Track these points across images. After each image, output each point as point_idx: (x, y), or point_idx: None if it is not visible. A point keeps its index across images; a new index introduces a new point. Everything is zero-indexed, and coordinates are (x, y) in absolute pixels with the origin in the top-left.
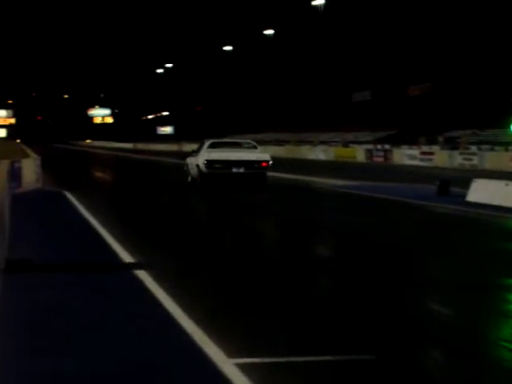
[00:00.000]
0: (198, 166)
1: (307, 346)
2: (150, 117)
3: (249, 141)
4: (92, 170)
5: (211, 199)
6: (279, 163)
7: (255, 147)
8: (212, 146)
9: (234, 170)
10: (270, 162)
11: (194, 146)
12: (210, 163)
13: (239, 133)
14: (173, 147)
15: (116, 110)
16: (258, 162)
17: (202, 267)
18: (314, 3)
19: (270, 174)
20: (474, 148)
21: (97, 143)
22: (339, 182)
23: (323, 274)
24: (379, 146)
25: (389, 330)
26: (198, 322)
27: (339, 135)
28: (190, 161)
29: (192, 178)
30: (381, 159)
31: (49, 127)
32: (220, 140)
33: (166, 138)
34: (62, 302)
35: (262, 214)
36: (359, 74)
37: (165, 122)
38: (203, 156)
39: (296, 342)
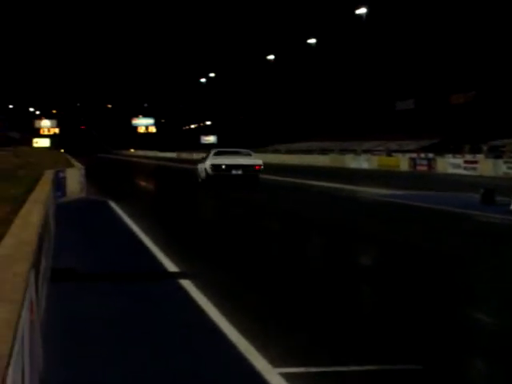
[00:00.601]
0: (205, 169)
1: (352, 355)
2: (192, 126)
3: (245, 150)
4: (136, 179)
5: (240, 202)
6: (323, 172)
7: (250, 154)
8: (216, 153)
9: (234, 171)
10: (262, 166)
11: None
12: (214, 167)
13: (283, 142)
14: None
15: (163, 120)
16: (253, 166)
17: (245, 275)
18: (357, 12)
19: (314, 183)
20: None
21: (140, 153)
22: (383, 191)
23: (371, 283)
24: (423, 155)
25: (436, 339)
26: (243, 331)
27: (383, 144)
28: (200, 166)
29: (201, 179)
30: (424, 168)
31: (92, 137)
32: (223, 149)
33: (209, 148)
34: (106, 312)
35: (310, 225)
36: (403, 82)
37: (208, 131)
38: (209, 161)
39: (341, 351)
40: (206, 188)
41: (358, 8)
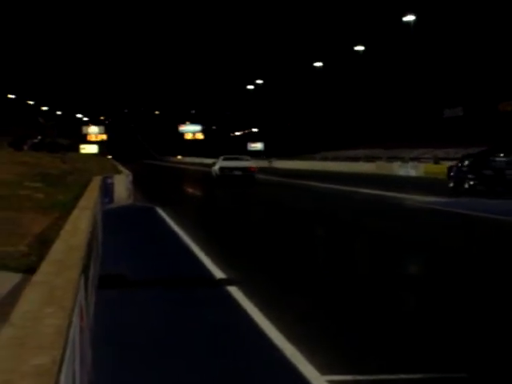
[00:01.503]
0: (216, 170)
1: (398, 363)
2: (237, 133)
3: (245, 156)
4: (183, 185)
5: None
6: (369, 180)
7: (248, 159)
8: (224, 159)
9: (235, 172)
10: (256, 169)
11: (284, 163)
12: (222, 169)
13: (330, 149)
14: (263, 163)
15: (214, 127)
16: (249, 168)
17: (292, 281)
18: (404, 19)
19: (362, 191)
20: None
21: (188, 159)
22: (428, 199)
23: (424, 289)
24: None
25: (481, 347)
26: (290, 337)
27: (430, 151)
28: (213, 168)
29: (214, 177)
30: None
31: (139, 143)
32: (228, 156)
33: (256, 155)
34: (154, 318)
35: (356, 233)
36: (451, 90)
37: (254, 138)
38: (218, 164)
39: (387, 358)
40: (220, 185)
41: (405, 15)
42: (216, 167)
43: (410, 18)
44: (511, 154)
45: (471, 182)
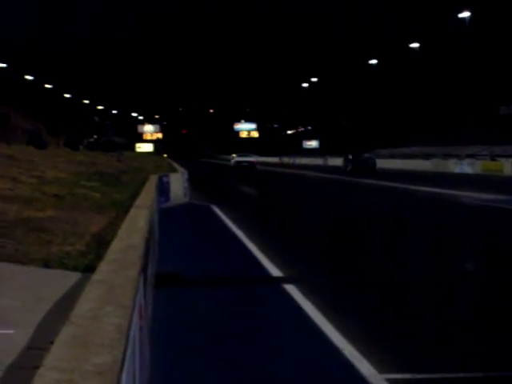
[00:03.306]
0: (232, 162)
1: (456, 362)
2: (289, 132)
3: (252, 154)
4: (237, 183)
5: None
6: (425, 177)
7: (253, 156)
8: (237, 156)
9: (244, 164)
10: (258, 161)
11: (339, 160)
12: (236, 161)
13: (385, 147)
14: (317, 161)
15: (271, 125)
16: (252, 161)
17: (349, 280)
18: (460, 15)
19: (413, 188)
20: None
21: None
22: (485, 196)
23: (483, 288)
24: None
25: None
26: (348, 336)
27: (486, 148)
28: (231, 160)
29: (231, 166)
30: None
31: (194, 142)
32: (241, 153)
33: (311, 153)
34: (211, 315)
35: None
36: (507, 86)
37: (310, 136)
38: (233, 159)
39: (445, 357)
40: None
41: (461, 12)
42: (233, 160)
43: (465, 14)
44: None
45: None
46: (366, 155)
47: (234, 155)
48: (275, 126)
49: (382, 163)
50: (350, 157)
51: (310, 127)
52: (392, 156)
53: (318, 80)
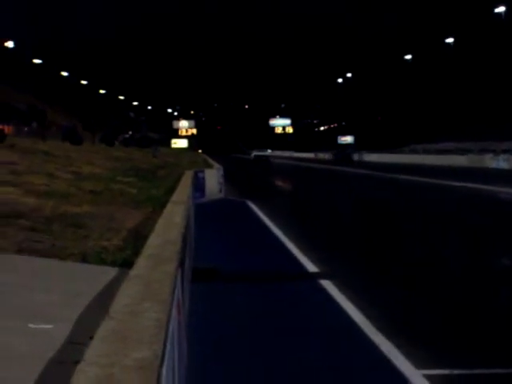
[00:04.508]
0: (252, 156)
1: (495, 357)
2: (322, 128)
3: (268, 149)
4: (273, 179)
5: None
6: (461, 173)
7: (269, 151)
8: (256, 151)
9: (261, 157)
10: (271, 155)
11: (374, 156)
12: (255, 156)
13: (420, 142)
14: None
15: (316, 121)
16: (268, 156)
17: (386, 275)
18: (496, 10)
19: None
20: None
21: (278, 153)
22: None
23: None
24: None
25: None
26: (385, 332)
27: None
28: (251, 155)
29: (251, 159)
30: None
31: (229, 137)
32: (259, 149)
33: (346, 148)
34: (247, 311)
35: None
36: None
37: (345, 131)
38: (253, 153)
39: (483, 353)
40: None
41: (496, 6)
42: (252, 154)
43: (501, 8)
44: None
45: None
46: (347, 151)
47: (254, 151)
48: (315, 121)
49: (417, 159)
50: (335, 152)
51: (343, 123)
52: (426, 151)
53: (353, 75)
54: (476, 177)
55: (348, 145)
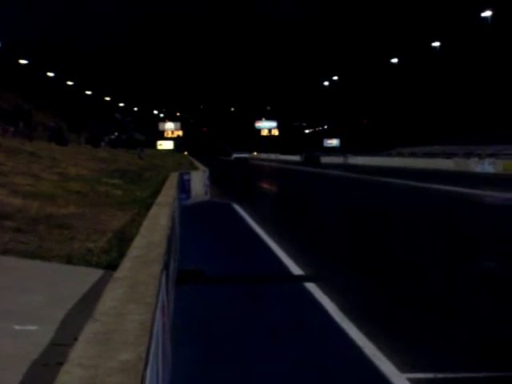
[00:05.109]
0: (232, 158)
1: (480, 361)
2: (307, 131)
3: (246, 151)
4: (258, 181)
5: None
6: (446, 176)
7: (247, 153)
8: (236, 153)
9: (240, 159)
10: (249, 157)
11: (360, 159)
12: (235, 158)
13: (406, 145)
14: (338, 160)
15: (304, 123)
16: (246, 157)
17: (369, 278)
18: (482, 14)
19: (438, 187)
20: None
21: (264, 155)
22: (508, 195)
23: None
24: None
25: None
26: (368, 335)
27: (509, 147)
28: (232, 156)
29: (231, 160)
30: None
31: (215, 139)
32: (239, 151)
33: (331, 151)
34: (231, 314)
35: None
36: None
37: (331, 134)
38: (233, 155)
39: (467, 356)
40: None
41: (483, 11)
42: (233, 156)
43: (487, 13)
44: None
45: None
46: (314, 154)
47: (234, 153)
48: (303, 124)
49: (404, 162)
50: (304, 154)
51: (327, 126)
52: (413, 154)
53: (339, 78)
54: (463, 181)
55: (332, 148)
